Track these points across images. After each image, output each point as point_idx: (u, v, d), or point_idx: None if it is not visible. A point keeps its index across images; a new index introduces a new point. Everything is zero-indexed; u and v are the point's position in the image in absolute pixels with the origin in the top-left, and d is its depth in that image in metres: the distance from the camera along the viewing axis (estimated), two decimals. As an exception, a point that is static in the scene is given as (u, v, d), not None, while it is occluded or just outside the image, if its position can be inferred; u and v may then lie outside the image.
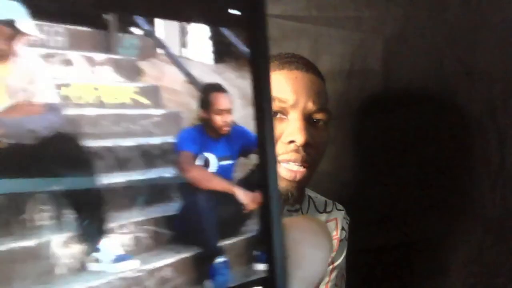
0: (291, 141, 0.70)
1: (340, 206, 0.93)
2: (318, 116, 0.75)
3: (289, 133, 0.71)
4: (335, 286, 0.89)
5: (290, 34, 1.10)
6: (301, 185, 0.74)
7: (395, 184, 1.13)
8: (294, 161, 0.71)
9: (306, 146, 0.70)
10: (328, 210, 0.90)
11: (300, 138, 0.69)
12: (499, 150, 1.12)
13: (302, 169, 0.72)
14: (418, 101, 1.12)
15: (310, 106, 0.73)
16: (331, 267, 0.88)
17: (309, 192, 0.88)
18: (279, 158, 0.63)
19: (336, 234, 0.89)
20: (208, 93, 0.18)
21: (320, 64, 1.08)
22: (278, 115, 0.72)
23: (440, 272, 1.17)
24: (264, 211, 0.17)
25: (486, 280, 1.15)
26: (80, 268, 0.14)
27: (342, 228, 0.91)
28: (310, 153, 0.72)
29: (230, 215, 0.18)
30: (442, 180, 1.14)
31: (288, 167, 0.71)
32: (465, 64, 1.11)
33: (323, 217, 0.88)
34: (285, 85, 0.72)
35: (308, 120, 0.73)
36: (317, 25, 1.10)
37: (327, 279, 0.87)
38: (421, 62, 1.11)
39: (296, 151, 0.71)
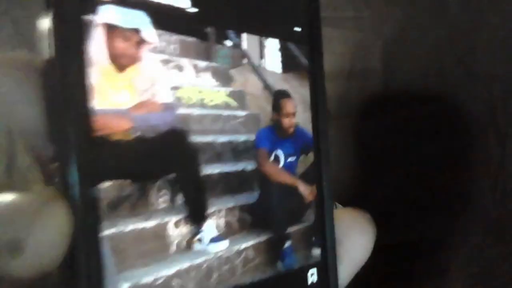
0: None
1: (340, 206, 0.93)
2: None
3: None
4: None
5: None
6: None
7: (395, 184, 1.13)
8: None
9: None
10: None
11: None
12: (499, 150, 1.13)
13: None
14: (418, 101, 1.13)
15: None
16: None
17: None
18: None
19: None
20: (278, 98, 0.21)
21: (320, 64, 1.09)
22: None
23: (440, 272, 1.17)
24: (319, 202, 0.21)
25: (486, 280, 1.15)
26: (187, 248, 0.17)
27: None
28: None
29: (295, 206, 0.20)
30: (442, 180, 1.14)
31: None
32: (465, 64, 1.11)
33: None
34: None
35: None
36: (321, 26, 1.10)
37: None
38: (421, 62, 1.11)
39: None
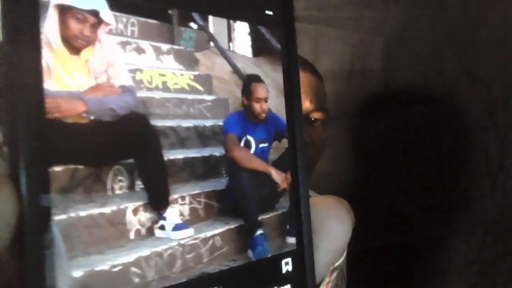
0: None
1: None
2: (316, 115, 0.75)
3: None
4: (336, 287, 0.89)
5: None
6: None
7: (395, 184, 1.13)
8: None
9: None
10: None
11: None
12: (499, 150, 1.13)
13: None
14: (418, 101, 1.13)
15: (307, 105, 0.72)
16: (332, 267, 0.87)
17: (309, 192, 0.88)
18: None
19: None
20: (249, 83, 0.20)
21: (320, 64, 1.08)
22: None
23: (440, 272, 1.17)
24: (294, 190, 0.20)
25: (486, 280, 1.15)
26: (148, 234, 0.16)
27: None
28: (308, 152, 0.72)
29: (267, 193, 0.19)
30: (442, 180, 1.14)
31: None
32: (465, 64, 1.11)
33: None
34: None
35: (306, 119, 0.73)
36: (317, 25, 1.10)
37: (327, 279, 0.87)
38: (421, 62, 1.11)
39: None
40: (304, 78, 0.74)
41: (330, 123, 0.87)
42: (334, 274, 0.87)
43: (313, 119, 0.74)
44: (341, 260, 0.89)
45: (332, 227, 0.20)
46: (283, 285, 0.20)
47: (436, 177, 1.14)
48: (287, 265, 0.20)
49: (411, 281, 1.17)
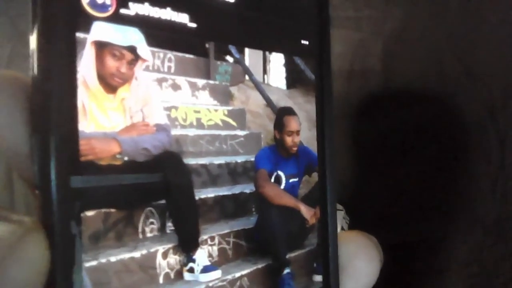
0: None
1: (340, 206, 0.93)
2: None
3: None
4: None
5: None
6: None
7: (395, 184, 1.13)
8: None
9: None
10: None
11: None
12: (499, 150, 1.13)
13: None
14: (418, 101, 1.13)
15: None
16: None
17: (308, 192, 0.88)
18: None
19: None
20: (281, 116, 0.20)
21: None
22: None
23: (440, 272, 1.17)
24: (323, 226, 0.20)
25: (486, 280, 1.15)
26: (177, 278, 0.16)
27: (342, 228, 0.91)
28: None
29: (296, 230, 0.19)
30: (442, 180, 1.14)
31: None
32: (465, 64, 1.11)
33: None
34: None
35: None
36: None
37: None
38: (421, 62, 1.11)
39: None
40: None
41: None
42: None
43: None
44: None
45: (360, 266, 0.20)
46: None
47: (436, 177, 1.14)
48: None
49: (411, 281, 1.17)
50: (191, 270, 0.16)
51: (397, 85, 1.12)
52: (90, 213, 0.14)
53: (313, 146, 0.19)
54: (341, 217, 0.90)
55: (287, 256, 0.18)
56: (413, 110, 1.11)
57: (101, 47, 0.15)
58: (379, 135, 1.12)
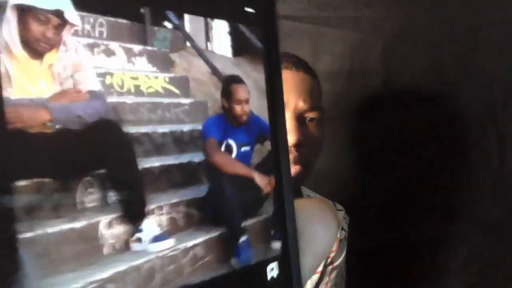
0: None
1: (339, 206, 0.93)
2: (311, 114, 0.74)
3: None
4: (335, 286, 0.89)
5: (290, 34, 1.10)
6: (296, 183, 0.74)
7: (395, 184, 1.13)
8: None
9: (298, 145, 0.70)
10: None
11: (290, 138, 0.69)
12: (499, 150, 1.13)
13: (296, 168, 0.71)
14: (418, 101, 1.13)
15: (301, 105, 0.72)
16: (330, 267, 0.87)
17: (308, 192, 0.88)
18: None
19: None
20: (229, 84, 0.20)
21: (320, 64, 1.08)
22: None
23: (440, 272, 1.17)
24: (278, 193, 0.19)
25: (486, 280, 1.15)
26: (124, 248, 0.15)
27: (342, 228, 0.91)
28: (303, 152, 0.72)
29: (250, 198, 0.19)
30: (442, 180, 1.14)
31: None
32: (465, 64, 1.11)
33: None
34: None
35: (300, 119, 0.73)
36: (317, 25, 1.10)
37: (326, 279, 0.87)
38: (421, 62, 1.11)
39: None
40: (297, 78, 0.74)
41: (330, 123, 0.87)
42: (334, 274, 0.87)
43: (308, 118, 0.74)
44: (340, 260, 0.89)
45: (316, 231, 0.19)
46: None
47: (436, 177, 1.14)
48: (272, 271, 0.19)
49: (411, 281, 1.17)
50: (139, 240, 0.16)
51: (397, 85, 1.12)
52: (22, 182, 0.14)
53: (263, 115, 0.18)
54: (341, 218, 0.90)
55: (242, 225, 0.17)
56: (413, 110, 1.11)
57: (24, 11, 0.14)
58: (379, 135, 1.12)
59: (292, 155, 0.70)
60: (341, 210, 0.92)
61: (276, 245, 0.19)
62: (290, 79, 0.73)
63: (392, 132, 1.12)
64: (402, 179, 1.13)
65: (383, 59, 1.12)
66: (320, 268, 0.85)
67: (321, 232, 0.19)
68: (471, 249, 1.16)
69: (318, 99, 0.78)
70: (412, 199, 1.13)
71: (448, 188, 1.14)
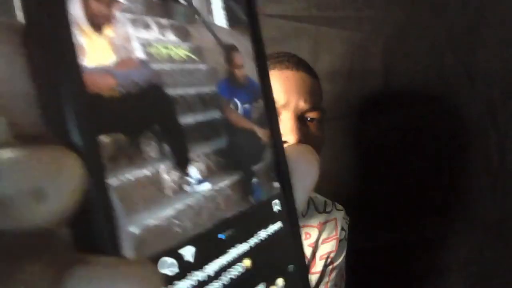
0: (284, 142, 0.71)
1: (339, 206, 0.93)
2: (311, 114, 0.74)
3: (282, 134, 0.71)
4: (335, 286, 0.89)
5: (290, 34, 1.10)
6: None
7: (395, 184, 1.13)
8: None
9: None
10: (327, 210, 0.90)
11: (291, 138, 0.69)
12: (499, 150, 1.13)
13: None
14: (418, 101, 1.13)
15: (302, 105, 0.72)
16: (330, 267, 0.88)
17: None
18: None
19: (336, 234, 0.88)
20: (229, 52, 0.24)
21: (320, 64, 1.09)
22: None
23: (440, 272, 1.17)
24: (273, 143, 0.24)
25: (486, 280, 1.15)
26: (180, 190, 0.19)
27: (342, 228, 0.91)
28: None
29: (254, 148, 0.24)
30: (442, 180, 1.14)
31: None
32: (465, 64, 1.11)
33: (322, 217, 0.88)
34: (275, 85, 0.72)
35: (301, 119, 0.73)
36: (317, 25, 1.10)
37: (326, 279, 0.87)
38: (421, 62, 1.11)
39: None
40: (298, 78, 0.74)
41: (330, 123, 0.87)
42: (333, 274, 0.87)
43: (308, 118, 0.74)
44: (340, 260, 0.90)
45: (304, 169, 0.25)
46: (275, 222, 0.24)
47: (436, 177, 1.14)
48: (276, 205, 0.24)
49: (411, 281, 1.17)
50: (188, 184, 0.19)
51: (397, 85, 1.12)
52: (102, 137, 0.17)
53: (253, 77, 0.23)
54: (341, 217, 0.90)
55: (252, 169, 0.22)
56: (413, 110, 1.11)
57: None
58: (379, 135, 1.12)
59: None
60: (341, 210, 0.92)
61: (276, 184, 0.24)
62: (291, 79, 0.73)
63: (392, 132, 1.13)
64: (402, 179, 1.13)
65: (383, 59, 1.12)
66: (320, 268, 0.85)
67: (306, 170, 0.25)
68: (471, 249, 1.16)
69: (319, 99, 0.78)
70: (412, 199, 1.13)
71: (448, 188, 1.14)
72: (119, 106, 0.18)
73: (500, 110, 1.11)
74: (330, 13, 1.10)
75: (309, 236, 0.85)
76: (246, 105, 0.23)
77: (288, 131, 0.70)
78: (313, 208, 0.89)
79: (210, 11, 0.23)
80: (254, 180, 0.23)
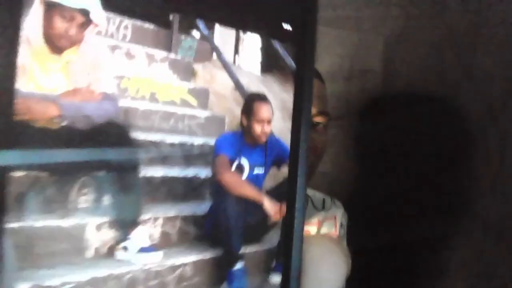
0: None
1: (338, 203, 0.93)
2: (318, 119, 0.74)
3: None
4: (335, 286, 0.89)
5: (290, 34, 1.10)
6: None
7: (395, 185, 1.13)
8: None
9: None
10: (326, 207, 0.90)
11: None
12: (499, 150, 1.12)
13: None
14: (418, 101, 1.13)
15: None
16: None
17: (307, 190, 0.88)
18: None
19: (335, 232, 0.88)
20: (252, 101, 0.19)
21: (320, 64, 1.08)
22: None
23: (440, 272, 1.17)
24: (287, 224, 0.18)
25: (486, 280, 1.15)
26: (107, 255, 0.15)
27: (341, 225, 0.91)
28: (309, 155, 0.72)
29: (255, 224, 0.18)
30: (442, 180, 1.14)
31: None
32: (465, 64, 1.11)
33: (320, 215, 0.88)
34: None
35: None
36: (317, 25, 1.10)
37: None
38: (421, 62, 1.11)
39: None
40: None
41: (330, 123, 0.87)
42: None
43: (314, 123, 0.74)
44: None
45: (324, 273, 0.18)
46: None
47: (436, 177, 1.14)
48: None
49: (411, 281, 1.17)
50: (125, 249, 0.15)
51: (397, 85, 1.12)
52: (18, 173, 0.14)
53: (285, 138, 0.17)
54: (340, 214, 0.90)
55: (241, 251, 0.16)
56: (413, 110, 1.11)
57: (51, 7, 0.14)
58: (379, 135, 1.12)
59: None
60: (340, 208, 0.92)
61: (276, 279, 0.18)
62: None
63: (392, 132, 1.12)
64: (402, 179, 1.13)
65: (383, 59, 1.12)
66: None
67: (327, 274, 0.18)
68: (471, 249, 1.15)
69: (325, 104, 0.78)
70: (412, 199, 1.13)
71: (448, 188, 1.14)
72: (53, 141, 0.15)
73: (500, 110, 1.11)
74: (330, 13, 1.10)
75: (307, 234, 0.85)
76: (259, 170, 0.18)
77: None
78: (311, 205, 0.89)
79: (238, 51, 0.19)
80: (239, 265, 0.17)
